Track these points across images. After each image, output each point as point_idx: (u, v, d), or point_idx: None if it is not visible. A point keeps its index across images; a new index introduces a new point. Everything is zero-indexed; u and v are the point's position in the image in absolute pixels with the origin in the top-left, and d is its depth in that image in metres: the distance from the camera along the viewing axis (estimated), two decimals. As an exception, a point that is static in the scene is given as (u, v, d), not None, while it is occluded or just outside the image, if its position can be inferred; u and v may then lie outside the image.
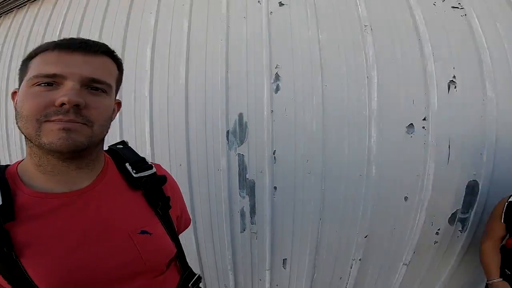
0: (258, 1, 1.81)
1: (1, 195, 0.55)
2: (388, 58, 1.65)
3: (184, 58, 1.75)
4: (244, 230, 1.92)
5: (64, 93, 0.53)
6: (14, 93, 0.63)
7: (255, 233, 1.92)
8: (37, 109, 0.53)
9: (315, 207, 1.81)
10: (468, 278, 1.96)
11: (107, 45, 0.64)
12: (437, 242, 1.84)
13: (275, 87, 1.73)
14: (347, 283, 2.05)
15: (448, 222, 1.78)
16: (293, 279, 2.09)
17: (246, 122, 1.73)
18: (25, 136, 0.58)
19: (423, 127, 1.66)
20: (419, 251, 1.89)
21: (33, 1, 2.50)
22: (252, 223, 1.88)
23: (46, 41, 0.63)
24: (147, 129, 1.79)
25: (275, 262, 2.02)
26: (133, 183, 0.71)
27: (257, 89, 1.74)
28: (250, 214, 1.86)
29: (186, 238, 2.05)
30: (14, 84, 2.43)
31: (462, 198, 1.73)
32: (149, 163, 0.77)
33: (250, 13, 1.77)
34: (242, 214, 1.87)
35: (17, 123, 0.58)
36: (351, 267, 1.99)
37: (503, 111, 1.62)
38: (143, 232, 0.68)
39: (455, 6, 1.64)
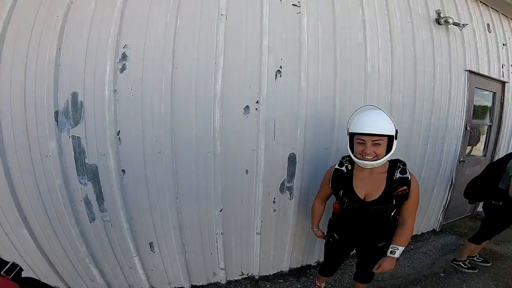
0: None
1: None
2: (235, 47, 1.23)
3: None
4: (95, 220, 1.15)
5: None
6: None
7: (108, 221, 1.17)
8: None
9: (170, 186, 1.19)
10: (306, 239, 1.51)
11: None
12: (276, 210, 1.38)
13: (120, 66, 1.12)
14: (218, 258, 1.48)
15: (279, 190, 1.34)
16: (166, 262, 1.40)
17: (81, 102, 1.02)
18: None
19: (256, 109, 1.28)
20: (265, 219, 1.40)
21: None
22: (102, 210, 1.14)
23: None
24: None
25: (140, 247, 1.31)
26: None
27: (98, 67, 1.10)
28: (98, 201, 1.10)
29: (18, 236, 1.13)
30: None
31: (286, 169, 1.39)
32: None
33: None
34: (87, 203, 1.11)
35: None
36: (216, 242, 1.38)
37: (311, 98, 1.36)
38: None
39: (295, 4, 1.32)
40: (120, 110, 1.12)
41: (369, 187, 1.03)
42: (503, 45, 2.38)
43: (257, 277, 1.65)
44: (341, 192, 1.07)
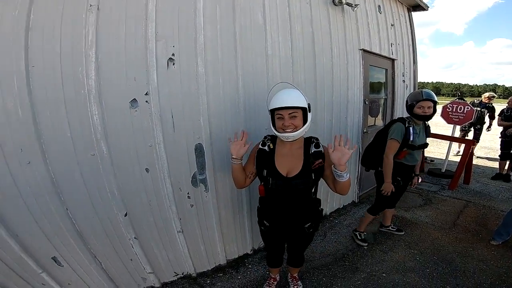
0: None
1: None
2: (111, 37, 1.08)
3: None
4: None
5: None
6: None
7: None
8: None
9: (52, 197, 1.12)
10: (235, 229, 1.47)
11: None
12: (193, 205, 1.30)
13: None
14: (141, 263, 1.47)
15: (192, 184, 1.25)
16: (81, 273, 1.40)
17: None
18: None
19: (147, 101, 1.17)
20: (183, 216, 1.32)
21: None
22: None
23: None
24: None
25: (43, 263, 1.24)
26: None
27: None
28: None
29: None
30: None
31: (195, 160, 1.31)
32: None
33: None
34: None
35: None
36: (132, 247, 1.30)
37: (212, 85, 1.27)
38: None
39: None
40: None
41: (289, 164, 1.07)
42: (391, 25, 2.62)
43: (194, 275, 1.62)
44: (265, 172, 1.09)
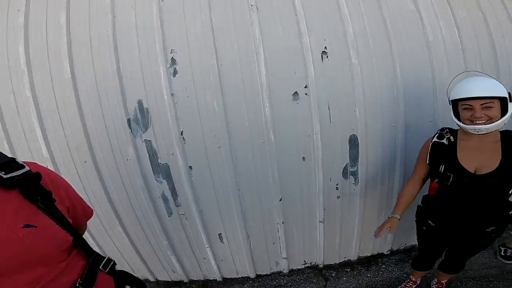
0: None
1: None
2: (272, 35, 1.20)
3: (66, 52, 1.08)
4: (172, 214, 1.30)
5: None
6: None
7: (183, 214, 1.31)
8: None
9: (232, 179, 1.27)
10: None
11: None
12: (339, 196, 1.33)
13: (172, 71, 1.20)
14: (280, 247, 1.50)
15: (342, 176, 1.28)
16: (234, 251, 1.51)
17: (147, 108, 1.13)
18: None
19: (306, 94, 1.23)
20: (328, 207, 1.37)
21: None
22: (177, 205, 1.28)
23: None
24: (38, 131, 1.11)
25: (211, 238, 1.44)
26: (6, 184, 0.52)
27: (153, 74, 1.20)
28: (173, 197, 1.24)
29: (116, 234, 1.34)
30: None
31: (348, 152, 1.32)
32: (21, 163, 0.56)
33: (139, 2, 1.21)
34: (165, 199, 1.25)
35: None
36: (278, 231, 1.41)
37: (367, 75, 1.25)
38: (27, 226, 0.51)
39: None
40: (180, 111, 1.21)
41: (480, 159, 0.93)
42: None
43: (321, 266, 1.64)
44: (442, 168, 0.97)
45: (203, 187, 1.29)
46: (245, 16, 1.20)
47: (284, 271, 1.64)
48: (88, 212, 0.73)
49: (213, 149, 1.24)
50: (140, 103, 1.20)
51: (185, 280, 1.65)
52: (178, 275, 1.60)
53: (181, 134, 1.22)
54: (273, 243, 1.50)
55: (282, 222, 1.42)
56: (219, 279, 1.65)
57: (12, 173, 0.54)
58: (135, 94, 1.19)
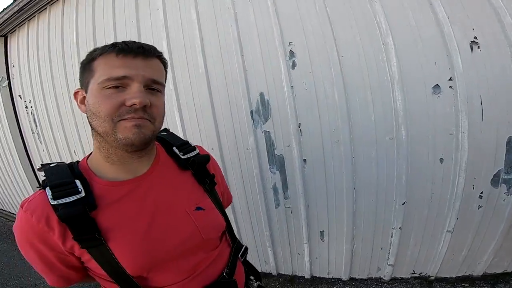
0: (257, -17, 1.27)
1: (83, 188, 0.43)
2: (402, 25, 1.07)
3: (200, 48, 1.21)
4: (279, 206, 1.30)
5: (133, 96, 0.41)
6: (76, 93, 0.49)
7: (289, 207, 1.30)
8: (111, 110, 0.41)
9: (347, 176, 1.18)
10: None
11: (156, 48, 0.47)
12: (481, 206, 1.09)
13: (291, 63, 1.20)
14: (388, 253, 1.35)
15: (491, 184, 1.04)
16: (332, 251, 1.43)
17: (268, 100, 1.17)
18: (96, 132, 0.45)
19: (450, 87, 1.06)
20: (463, 216, 1.14)
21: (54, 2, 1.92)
22: (285, 197, 1.28)
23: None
24: (178, 120, 1.27)
25: (312, 235, 1.39)
26: (182, 164, 0.55)
27: (273, 67, 1.23)
28: (283, 189, 1.25)
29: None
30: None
31: (504, 156, 1.08)
32: (192, 145, 0.59)
33: None
34: (275, 190, 1.26)
35: (90, 120, 0.44)
36: (391, 236, 1.28)
37: None
38: (198, 208, 0.51)
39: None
40: (299, 104, 1.21)
41: None
42: None
43: (432, 277, 1.41)
44: None
45: (315, 181, 1.26)
46: (365, 6, 1.11)
47: (385, 278, 1.48)
48: (230, 199, 0.72)
49: (331, 143, 1.19)
50: (262, 95, 1.25)
51: (274, 273, 1.67)
52: (269, 267, 1.63)
53: (299, 127, 1.22)
54: (381, 248, 1.36)
55: (400, 228, 1.27)
56: (307, 276, 1.61)
57: (188, 154, 0.55)
58: (257, 86, 1.25)
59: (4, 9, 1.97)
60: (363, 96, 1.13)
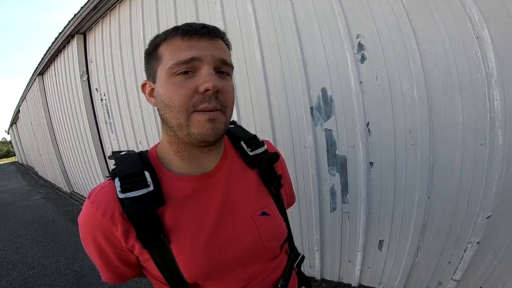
0: (321, -26, 1.13)
1: (152, 181, 0.40)
2: (500, 15, 0.88)
3: (257, 42, 1.14)
4: (335, 210, 1.21)
5: (205, 79, 0.37)
6: (144, 85, 0.45)
7: (346, 212, 1.20)
8: (185, 99, 0.38)
9: (422, 183, 1.04)
10: None
11: (219, 29, 0.43)
12: None
13: (359, 57, 1.05)
14: (456, 268, 1.21)
15: None
16: (389, 261, 1.33)
17: (331, 96, 1.05)
18: (167, 125, 0.41)
19: None
20: None
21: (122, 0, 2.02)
22: (344, 202, 1.17)
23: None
24: (235, 112, 1.19)
25: (369, 243, 1.29)
26: (250, 162, 0.49)
27: (338, 61, 1.11)
28: (342, 193, 1.14)
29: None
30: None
31: None
32: (261, 140, 0.51)
33: None
34: (332, 193, 1.17)
35: (162, 113, 0.40)
36: (465, 251, 1.12)
37: None
38: (263, 213, 0.45)
39: None
40: (368, 101, 1.08)
41: None
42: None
43: None
44: None
45: (381, 187, 1.15)
46: None
47: (447, 294, 1.34)
48: (292, 201, 0.65)
49: (405, 146, 1.06)
50: (324, 90, 1.14)
51: (317, 278, 1.60)
52: (313, 271, 1.56)
53: (367, 126, 1.10)
54: (449, 262, 1.22)
55: (477, 242, 1.11)
56: (354, 284, 1.52)
57: (256, 151, 0.48)
58: (319, 81, 1.14)
59: (82, 7, 2.09)
60: (449, 95, 0.97)
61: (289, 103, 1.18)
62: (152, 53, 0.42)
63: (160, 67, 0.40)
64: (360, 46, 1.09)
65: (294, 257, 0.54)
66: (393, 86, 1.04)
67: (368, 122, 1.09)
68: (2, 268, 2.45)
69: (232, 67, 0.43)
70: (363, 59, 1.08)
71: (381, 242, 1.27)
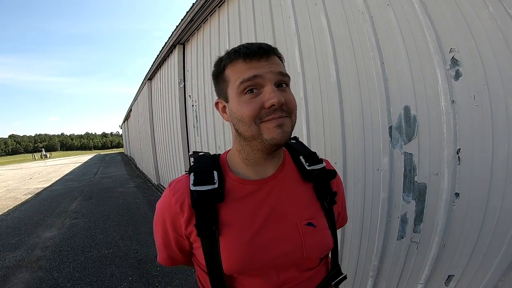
0: (404, -14, 1.01)
1: (218, 180, 0.47)
2: None
3: (332, 56, 1.06)
4: (403, 238, 1.09)
5: (269, 97, 0.43)
6: (217, 103, 0.53)
7: (416, 242, 1.07)
8: (253, 113, 0.44)
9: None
10: None
11: (271, 45, 0.48)
12: None
13: (453, 73, 0.91)
14: None
15: None
16: None
17: (415, 116, 0.94)
18: (242, 136, 0.47)
19: None
20: None
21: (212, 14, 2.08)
22: (415, 231, 1.05)
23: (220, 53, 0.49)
24: (304, 129, 1.14)
25: (435, 277, 1.15)
26: (306, 176, 0.52)
27: (426, 77, 0.99)
28: (415, 221, 1.02)
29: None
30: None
31: None
32: (320, 158, 0.56)
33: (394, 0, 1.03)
34: (403, 220, 1.05)
35: (237, 127, 0.47)
36: None
37: None
38: (309, 224, 0.49)
39: None
40: (461, 124, 0.94)
41: None
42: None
43: None
44: None
45: (465, 221, 1.00)
46: None
47: None
48: (344, 221, 0.66)
49: (504, 180, 0.90)
50: (406, 109, 1.02)
51: (364, 303, 1.50)
52: (361, 294, 1.46)
53: (457, 153, 0.97)
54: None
55: None
56: (407, 316, 1.39)
57: (313, 166, 0.52)
58: (401, 98, 1.03)
59: (182, 19, 2.29)
60: None
61: (365, 120, 1.09)
62: (219, 76, 0.48)
63: (230, 88, 0.46)
64: (454, 62, 0.95)
65: (335, 274, 0.55)
66: (496, 108, 0.89)
67: (459, 149, 0.95)
68: (87, 245, 2.83)
69: (288, 76, 0.47)
70: (457, 75, 0.95)
71: (450, 277, 1.13)
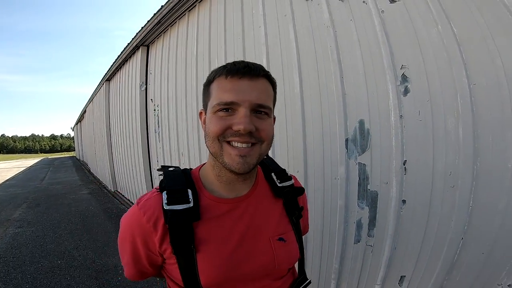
0: (364, 1, 1.04)
1: (193, 198, 0.46)
2: None
3: (296, 68, 1.07)
4: (359, 242, 1.15)
5: (239, 121, 0.43)
6: (200, 113, 0.53)
7: (370, 246, 1.13)
8: (218, 131, 0.44)
9: (457, 225, 0.99)
10: None
11: (263, 67, 0.47)
12: None
13: (402, 89, 0.97)
14: None
15: None
16: None
17: (368, 129, 0.98)
18: (210, 152, 0.48)
19: None
20: None
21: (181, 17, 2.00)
22: (369, 235, 1.11)
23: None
24: None
25: (389, 278, 1.22)
26: (277, 192, 0.54)
27: (379, 93, 1.05)
28: (369, 226, 1.08)
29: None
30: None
31: None
32: (289, 175, 0.58)
33: (357, 15, 1.08)
34: (359, 225, 1.11)
35: (205, 140, 0.48)
36: None
37: None
38: (280, 239, 0.51)
39: None
40: (408, 137, 1.01)
41: None
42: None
43: None
44: None
45: (411, 225, 1.08)
46: (508, 23, 0.85)
47: None
48: (306, 230, 0.69)
49: (443, 187, 0.98)
50: (361, 122, 1.07)
51: (328, 304, 1.56)
52: (326, 296, 1.51)
53: (403, 164, 1.03)
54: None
55: (508, 285, 1.05)
56: (367, 313, 1.47)
57: (284, 183, 0.54)
58: (357, 112, 1.07)
59: (148, 21, 2.13)
60: (500, 135, 0.90)
61: (325, 132, 1.11)
62: (206, 88, 0.48)
63: (210, 103, 0.46)
64: (404, 78, 1.01)
65: (301, 281, 0.58)
66: (437, 123, 0.97)
67: (406, 160, 1.02)
68: (36, 255, 2.51)
69: (269, 108, 0.45)
70: (406, 91, 1.01)
71: (402, 277, 1.21)
